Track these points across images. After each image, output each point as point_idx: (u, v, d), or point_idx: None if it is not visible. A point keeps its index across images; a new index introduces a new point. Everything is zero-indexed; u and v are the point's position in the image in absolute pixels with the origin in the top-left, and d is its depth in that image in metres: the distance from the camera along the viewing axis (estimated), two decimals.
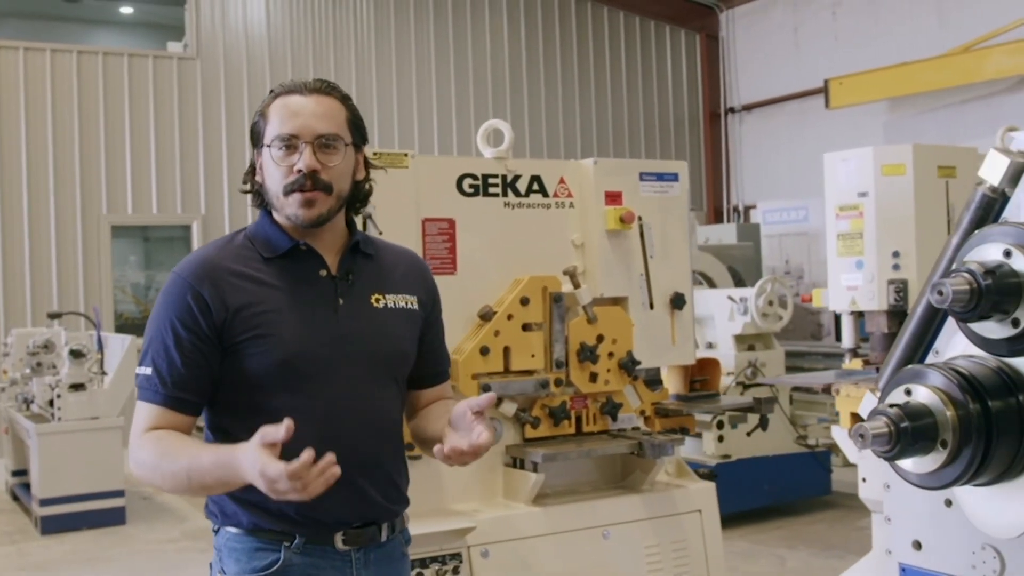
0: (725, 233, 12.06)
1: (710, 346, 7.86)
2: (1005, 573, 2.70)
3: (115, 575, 7.09)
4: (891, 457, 2.65)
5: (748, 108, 15.38)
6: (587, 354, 3.91)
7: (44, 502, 8.19)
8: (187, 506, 9.03)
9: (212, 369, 2.33)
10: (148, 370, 2.32)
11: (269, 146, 2.36)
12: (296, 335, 2.32)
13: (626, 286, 4.09)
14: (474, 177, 3.90)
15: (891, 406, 2.65)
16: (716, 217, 15.49)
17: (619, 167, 4.15)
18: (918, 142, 4.91)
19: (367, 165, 2.50)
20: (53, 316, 9.41)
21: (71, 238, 11.74)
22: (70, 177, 11.74)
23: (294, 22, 13.06)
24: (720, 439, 7.43)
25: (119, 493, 8.40)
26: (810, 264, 10.83)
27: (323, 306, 2.38)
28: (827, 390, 4.80)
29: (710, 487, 4.18)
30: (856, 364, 5.04)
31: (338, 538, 2.35)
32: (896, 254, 4.77)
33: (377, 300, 2.45)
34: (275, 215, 2.43)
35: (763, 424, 4.60)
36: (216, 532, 2.43)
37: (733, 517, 7.61)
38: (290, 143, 2.33)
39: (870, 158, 4.83)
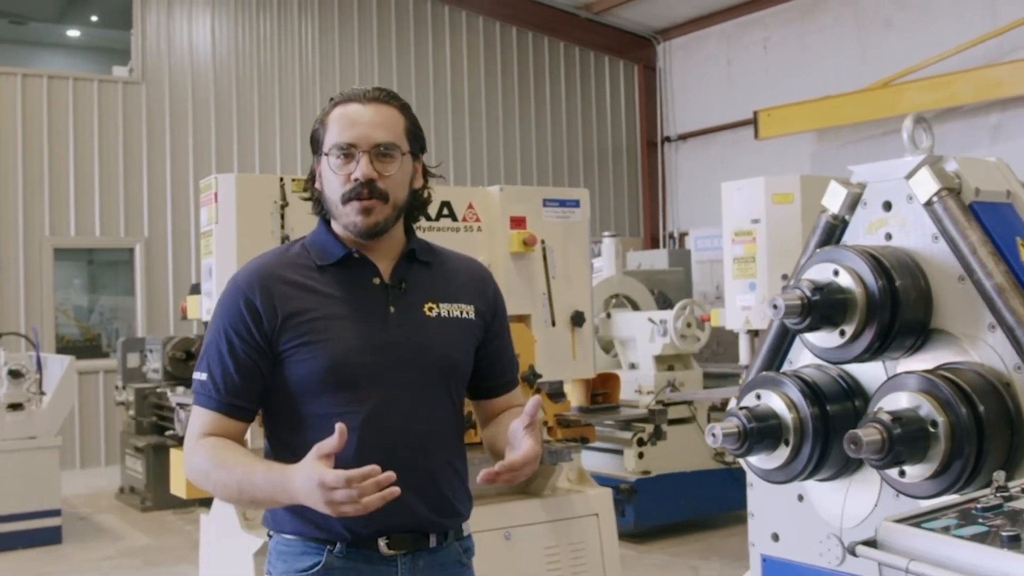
0: (657, 259, 12.41)
1: (632, 366, 8.18)
2: (846, 560, 3.03)
3: None
4: (740, 454, 2.99)
5: (684, 137, 15.81)
6: None
7: None
8: (124, 525, 9.16)
9: (264, 376, 2.35)
10: (204, 376, 2.36)
11: (327, 154, 2.37)
12: (343, 342, 2.33)
13: (529, 304, 4.39)
14: None
15: (742, 408, 2.99)
16: (653, 243, 15.86)
17: (524, 193, 4.47)
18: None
19: (426, 174, 2.52)
20: None
21: (13, 260, 11.81)
22: (12, 199, 11.83)
23: (239, 48, 13.28)
24: (640, 456, 7.72)
25: (55, 512, 8.49)
26: None
27: (373, 314, 2.38)
28: (725, 404, 5.12)
29: (606, 492, 4.47)
30: None
31: (381, 543, 2.34)
32: (785, 277, 5.10)
33: (430, 309, 2.44)
34: (333, 224, 2.44)
35: (657, 434, 4.91)
36: (270, 538, 2.47)
37: (652, 531, 7.92)
38: (348, 152, 2.34)
39: (762, 187, 5.17)
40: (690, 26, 15.39)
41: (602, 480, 7.62)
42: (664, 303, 9.41)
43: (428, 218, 4.26)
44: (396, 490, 2.04)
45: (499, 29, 15.06)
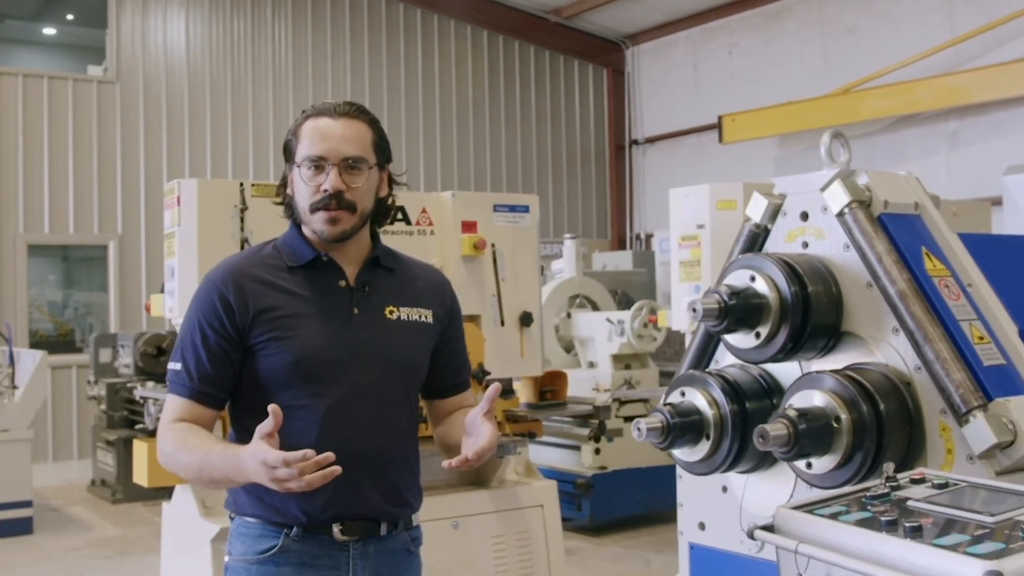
0: (622, 260, 12.60)
1: (591, 365, 8.40)
2: (764, 547, 3.25)
3: None
4: (664, 447, 3.21)
5: (651, 141, 16.01)
6: None
7: None
8: (95, 517, 9.31)
9: (235, 366, 2.50)
10: (178, 365, 2.51)
11: (299, 166, 2.53)
12: (310, 339, 2.48)
13: (479, 305, 4.59)
14: None
15: (666, 405, 3.21)
16: (620, 244, 16.07)
17: (475, 199, 4.68)
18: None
19: (391, 182, 2.69)
20: None
21: None
22: None
23: (213, 48, 13.39)
24: (597, 452, 7.92)
25: (27, 503, 8.64)
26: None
27: (338, 315, 2.54)
28: None
29: (551, 485, 4.67)
30: None
31: (335, 528, 2.49)
32: None
33: (391, 312, 2.60)
34: (303, 228, 2.60)
35: (601, 429, 5.12)
36: (232, 520, 2.60)
37: (608, 524, 8.12)
38: (318, 164, 2.49)
39: (707, 194, 5.38)
40: (658, 31, 15.60)
41: (559, 475, 7.84)
42: (627, 303, 9.62)
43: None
44: (337, 469, 2.18)
45: (470, 33, 15.22)
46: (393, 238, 4.45)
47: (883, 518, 2.11)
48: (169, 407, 2.52)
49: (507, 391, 4.71)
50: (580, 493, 7.83)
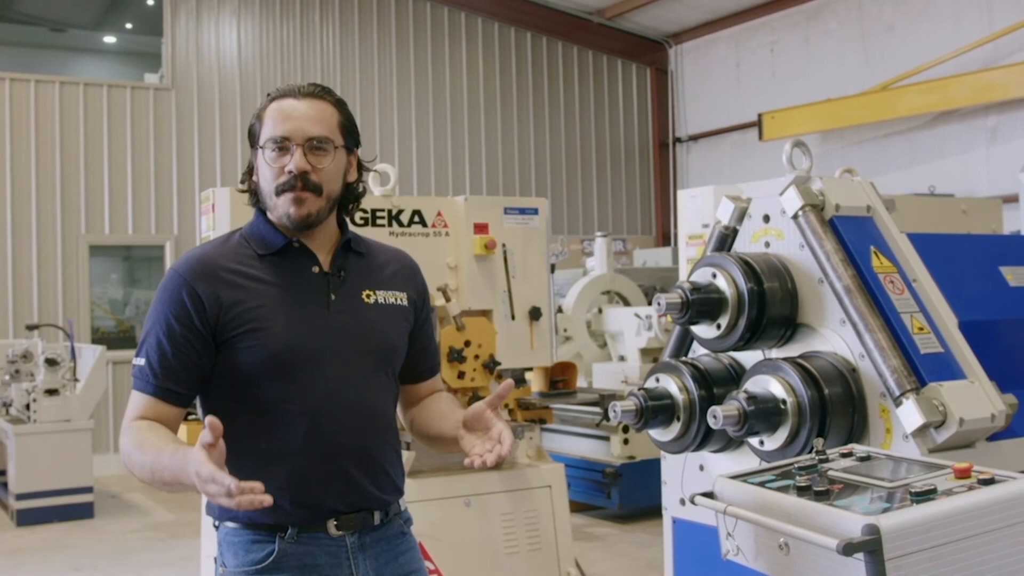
0: (661, 256, 12.90)
1: (622, 359, 8.71)
2: (739, 524, 3.55)
3: (78, 559, 7.86)
4: (639, 428, 3.54)
5: (694, 138, 16.21)
6: (455, 356, 4.76)
7: (20, 496, 8.96)
8: (152, 503, 9.82)
9: (203, 363, 2.36)
10: (142, 361, 2.37)
11: (263, 148, 2.42)
12: (288, 329, 2.37)
13: (491, 300, 4.95)
14: (364, 211, 4.74)
15: (641, 390, 3.54)
16: (664, 241, 16.31)
17: (487, 203, 5.03)
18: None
19: (360, 167, 2.57)
20: (31, 328, 10.21)
21: (51, 256, 12.44)
22: (51, 199, 12.45)
23: (264, 56, 13.85)
24: (626, 442, 8.23)
25: (88, 489, 9.20)
26: None
27: (315, 301, 2.43)
28: None
29: (559, 467, 5.01)
30: None
31: (330, 524, 2.40)
32: None
33: (368, 296, 2.51)
34: (269, 214, 2.48)
35: (605, 416, 5.42)
36: (216, 528, 2.47)
37: (637, 512, 8.42)
38: (282, 145, 2.38)
39: (711, 195, 5.65)
40: (700, 30, 15.80)
41: (589, 464, 8.15)
42: None
43: (400, 224, 4.84)
44: (268, 499, 2.03)
45: (514, 34, 15.52)
46: (411, 239, 4.85)
47: (798, 485, 2.42)
48: (132, 405, 2.40)
49: (518, 380, 5.06)
50: (609, 482, 8.13)
